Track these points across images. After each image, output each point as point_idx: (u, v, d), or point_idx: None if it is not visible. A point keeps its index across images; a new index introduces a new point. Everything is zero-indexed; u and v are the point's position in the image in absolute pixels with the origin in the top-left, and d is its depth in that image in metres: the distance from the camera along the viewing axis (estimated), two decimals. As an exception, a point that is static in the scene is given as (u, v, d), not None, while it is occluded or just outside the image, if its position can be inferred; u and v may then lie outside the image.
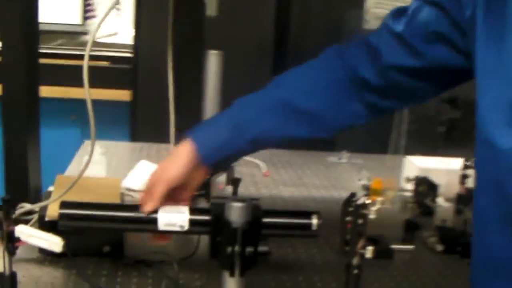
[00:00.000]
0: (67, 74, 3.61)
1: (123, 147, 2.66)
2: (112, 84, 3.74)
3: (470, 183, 2.04)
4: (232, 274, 1.23)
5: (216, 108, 1.87)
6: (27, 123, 1.81)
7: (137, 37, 3.52)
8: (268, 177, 2.33)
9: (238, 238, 1.21)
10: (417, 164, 2.25)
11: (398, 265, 1.65)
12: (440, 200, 2.10)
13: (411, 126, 2.99)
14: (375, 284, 1.51)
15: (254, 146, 1.40)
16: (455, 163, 2.20)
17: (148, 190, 1.32)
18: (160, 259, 1.51)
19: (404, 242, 1.77)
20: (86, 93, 1.38)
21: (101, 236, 1.53)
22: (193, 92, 1.97)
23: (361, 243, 1.36)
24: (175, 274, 1.47)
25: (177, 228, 1.33)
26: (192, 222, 1.32)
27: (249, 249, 1.22)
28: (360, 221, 1.32)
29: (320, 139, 1.40)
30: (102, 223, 1.33)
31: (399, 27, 1.29)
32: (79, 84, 1.35)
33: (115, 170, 2.24)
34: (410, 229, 1.78)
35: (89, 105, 1.38)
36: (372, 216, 1.33)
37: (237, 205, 1.24)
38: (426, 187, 2.00)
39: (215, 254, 1.27)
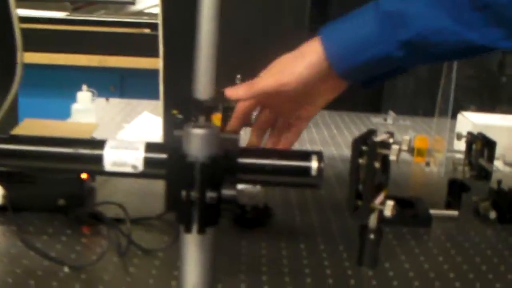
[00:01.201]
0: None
1: (133, 104, 2.44)
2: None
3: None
4: (188, 229, 0.84)
5: (211, 61, 1.45)
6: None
7: None
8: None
9: (196, 177, 0.82)
10: (472, 120, 1.84)
11: (437, 235, 1.30)
12: (498, 164, 1.68)
13: (468, 82, 2.59)
14: (401, 257, 1.12)
15: (408, 53, 1.02)
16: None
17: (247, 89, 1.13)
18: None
19: (447, 207, 1.35)
20: None
21: (53, 186, 1.29)
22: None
23: (379, 197, 0.96)
24: (128, 233, 1.16)
25: (128, 169, 1.01)
26: (148, 162, 1.00)
27: (211, 195, 0.83)
28: (377, 164, 0.92)
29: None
30: (28, 161, 1.03)
31: None
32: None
33: (112, 123, 2.05)
34: (456, 191, 1.35)
35: None
36: (393, 158, 0.91)
37: (196, 132, 0.85)
38: (481, 144, 1.58)
39: (172, 205, 0.89)
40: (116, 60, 3.55)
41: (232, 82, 2.03)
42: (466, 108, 2.25)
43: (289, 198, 1.42)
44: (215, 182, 0.88)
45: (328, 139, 1.99)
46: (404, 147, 1.03)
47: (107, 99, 2.41)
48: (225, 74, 2.01)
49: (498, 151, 1.58)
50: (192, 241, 0.93)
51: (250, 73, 2.14)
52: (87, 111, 1.80)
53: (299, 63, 1.03)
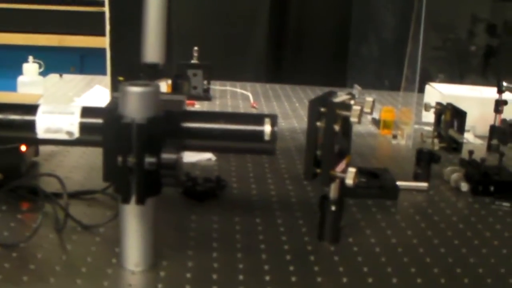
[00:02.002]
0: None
1: (87, 79, 2.31)
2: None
3: (510, 111, 1.53)
4: (125, 200, 0.74)
5: (160, 24, 1.34)
6: None
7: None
8: (256, 109, 1.95)
9: (133, 140, 0.71)
10: (440, 91, 1.75)
11: (405, 207, 1.20)
12: (468, 136, 1.59)
13: (435, 52, 2.50)
14: (366, 230, 1.01)
15: None
16: (490, 92, 1.69)
17: None
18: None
19: (416, 179, 1.24)
20: None
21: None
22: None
23: (340, 164, 0.86)
24: (65, 207, 1.04)
25: (63, 136, 0.92)
26: (85, 127, 0.88)
27: (150, 160, 0.72)
28: (337, 127, 0.81)
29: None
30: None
31: None
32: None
33: (64, 98, 1.95)
34: (425, 162, 1.26)
35: None
36: (354, 119, 0.81)
37: (133, 90, 0.75)
38: (450, 115, 1.48)
39: (108, 174, 0.79)
40: (76, 39, 3.41)
41: (189, 54, 1.93)
42: (434, 79, 2.16)
43: (246, 170, 1.32)
44: (154, 146, 0.78)
45: (290, 112, 1.90)
46: (367, 109, 0.92)
47: (60, 75, 2.28)
48: (181, 46, 1.91)
49: (468, 123, 1.50)
50: (131, 212, 0.83)
51: (208, 45, 2.04)
52: (33, 84, 1.69)
53: None
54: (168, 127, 0.84)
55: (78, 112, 0.91)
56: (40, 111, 0.91)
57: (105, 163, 0.83)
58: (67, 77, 2.30)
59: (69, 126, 0.90)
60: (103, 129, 0.84)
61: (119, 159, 0.80)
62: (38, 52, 3.13)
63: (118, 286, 0.84)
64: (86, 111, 0.91)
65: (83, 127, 0.90)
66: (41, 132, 0.91)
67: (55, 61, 2.94)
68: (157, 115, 0.82)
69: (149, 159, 0.80)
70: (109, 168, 0.83)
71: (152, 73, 1.06)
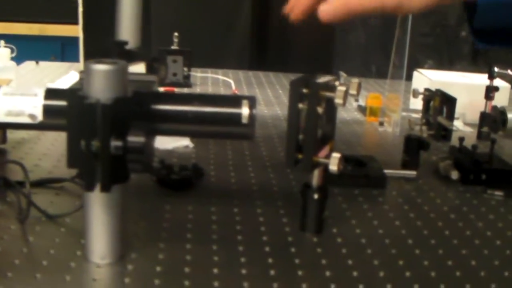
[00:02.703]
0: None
1: (64, 66, 2.27)
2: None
3: (501, 98, 1.45)
4: (89, 187, 0.66)
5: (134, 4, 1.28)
6: None
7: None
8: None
9: (98, 122, 0.64)
10: (429, 77, 1.68)
11: (393, 196, 1.15)
12: (458, 123, 1.53)
13: (423, 38, 2.44)
14: (352, 221, 0.94)
15: None
16: (479, 78, 1.63)
17: None
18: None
19: (404, 167, 1.17)
20: None
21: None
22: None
23: (323, 149, 0.79)
24: (28, 195, 0.96)
25: (26, 120, 0.86)
26: (49, 110, 0.79)
27: (116, 144, 0.65)
28: (320, 109, 0.74)
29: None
30: None
31: None
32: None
33: (39, 84, 1.88)
34: (413, 149, 1.19)
35: None
36: (339, 101, 0.74)
37: (97, 68, 0.68)
38: (439, 101, 1.42)
39: (72, 160, 0.71)
40: (57, 28, 3.34)
41: (170, 39, 1.86)
42: (422, 65, 2.10)
43: (225, 158, 1.25)
44: (120, 129, 0.71)
45: (272, 99, 1.83)
46: (353, 91, 0.86)
47: (37, 62, 2.21)
48: (162, 31, 1.83)
49: (458, 110, 1.43)
50: (97, 201, 0.76)
51: (187, 31, 1.97)
52: (5, 69, 1.61)
53: None
54: (136, 109, 0.77)
55: (41, 94, 0.83)
56: (0, 92, 0.84)
57: (69, 148, 0.77)
58: (43, 64, 2.23)
59: (32, 108, 0.84)
60: (66, 111, 0.76)
61: (82, 143, 0.72)
62: (19, 40, 3.05)
63: (81, 280, 0.77)
64: (51, 93, 0.84)
65: (47, 110, 0.83)
66: (2, 115, 0.85)
67: (36, 50, 2.87)
68: (124, 96, 0.76)
69: (114, 143, 0.73)
70: (73, 153, 0.76)
71: (121, 50, 0.99)
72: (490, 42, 0.95)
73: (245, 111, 0.82)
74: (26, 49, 2.39)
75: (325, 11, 0.82)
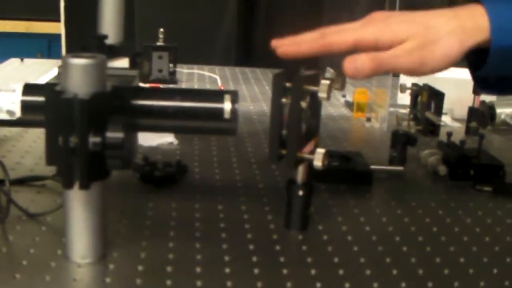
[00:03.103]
0: None
1: (49, 63, 2.23)
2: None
3: (489, 94, 1.45)
4: (68, 185, 0.64)
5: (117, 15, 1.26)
6: None
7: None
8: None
9: (76, 118, 0.62)
10: (417, 72, 1.64)
11: (380, 192, 1.13)
12: (446, 119, 1.51)
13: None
14: (338, 217, 0.93)
15: None
16: (467, 73, 1.60)
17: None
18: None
19: (391, 162, 1.16)
20: None
21: None
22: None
23: (308, 145, 0.77)
24: (8, 193, 0.92)
25: (3, 116, 0.84)
26: (27, 106, 0.82)
27: (94, 140, 0.62)
28: (304, 104, 0.73)
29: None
30: None
31: None
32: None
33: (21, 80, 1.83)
34: (400, 144, 1.17)
35: None
36: (323, 95, 0.72)
37: (75, 62, 0.65)
38: (427, 96, 1.40)
39: (51, 157, 0.69)
40: (43, 26, 3.31)
41: (155, 36, 1.84)
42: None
43: (210, 154, 1.24)
44: (99, 124, 0.69)
45: (259, 95, 1.81)
46: (337, 85, 0.84)
47: (21, 59, 2.18)
48: (148, 28, 1.81)
49: (446, 105, 1.41)
50: (76, 199, 0.74)
51: (173, 27, 1.95)
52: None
53: (453, 42, 0.79)
54: (115, 104, 0.75)
55: (19, 89, 0.81)
56: (-22, 86, 0.82)
57: (47, 145, 0.75)
58: (28, 61, 2.21)
59: (10, 104, 0.82)
60: (44, 106, 0.74)
61: (60, 139, 0.70)
62: (4, 38, 3.03)
63: (61, 280, 0.76)
64: (29, 88, 0.82)
65: (26, 106, 0.81)
66: (-21, 111, 0.82)
67: (22, 48, 2.84)
68: (102, 91, 0.73)
69: (93, 139, 0.71)
70: (52, 150, 0.74)
71: (101, 44, 0.97)
72: (498, 90, 0.92)
73: (227, 105, 0.80)
74: (12, 47, 2.37)
75: (352, 68, 0.78)
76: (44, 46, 3.43)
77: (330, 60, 2.31)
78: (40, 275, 0.76)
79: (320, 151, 0.83)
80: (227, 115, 0.79)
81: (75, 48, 1.19)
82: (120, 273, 0.77)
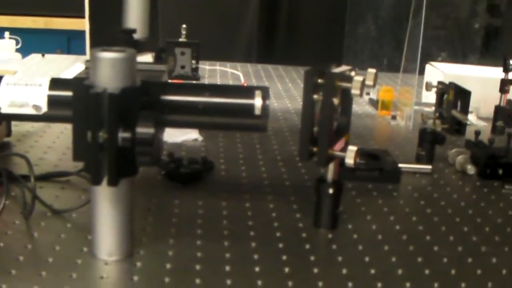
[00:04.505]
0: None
1: (70, 59, 2.22)
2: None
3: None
4: (96, 181, 0.63)
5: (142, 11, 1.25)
6: None
7: None
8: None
9: (105, 113, 0.60)
10: (443, 70, 1.64)
11: (408, 191, 1.11)
12: (471, 117, 1.49)
13: (436, 32, 2.40)
14: (367, 216, 0.91)
15: None
16: (493, 72, 1.59)
17: None
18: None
19: (418, 161, 1.14)
20: None
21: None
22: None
23: (339, 142, 0.76)
24: (33, 189, 0.92)
25: (30, 110, 0.82)
26: (54, 100, 0.81)
27: (124, 135, 0.61)
28: (336, 100, 0.71)
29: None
30: None
31: None
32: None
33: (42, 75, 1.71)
34: (428, 143, 1.15)
35: None
36: (356, 92, 0.71)
37: (104, 56, 0.64)
38: (453, 94, 1.38)
39: (79, 152, 0.68)
40: (62, 22, 3.31)
41: (178, 33, 1.83)
42: (435, 58, 2.06)
43: (235, 151, 1.22)
44: (128, 120, 0.67)
45: (282, 93, 1.80)
46: (369, 82, 0.82)
47: (43, 55, 2.18)
48: (170, 24, 1.80)
49: (471, 104, 1.41)
50: (104, 195, 0.72)
51: (196, 23, 1.94)
52: (10, 61, 1.59)
53: None
54: (145, 99, 0.73)
55: (46, 83, 0.80)
56: (3, 82, 0.81)
57: (75, 140, 0.74)
58: (49, 56, 2.20)
59: (37, 99, 0.80)
60: (72, 101, 0.73)
61: (89, 134, 0.69)
62: (24, 34, 3.02)
63: (88, 278, 0.74)
64: (56, 83, 0.81)
65: (52, 100, 0.80)
66: (5, 106, 0.82)
67: (42, 44, 2.84)
68: (132, 85, 0.72)
69: (122, 135, 0.70)
70: (79, 146, 0.72)
71: (129, 39, 0.96)
72: None
73: (258, 102, 0.78)
74: (32, 43, 2.37)
75: None
76: (63, 42, 3.42)
77: (353, 58, 2.30)
78: (66, 273, 0.75)
79: (352, 148, 0.82)
80: (257, 111, 0.78)
81: (99, 44, 1.17)
82: (148, 271, 0.76)
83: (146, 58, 1.34)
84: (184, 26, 1.83)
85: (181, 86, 0.85)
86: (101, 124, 0.70)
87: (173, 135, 1.22)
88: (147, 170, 1.00)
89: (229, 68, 2.05)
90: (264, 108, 0.78)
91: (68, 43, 3.39)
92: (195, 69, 1.81)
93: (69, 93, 0.76)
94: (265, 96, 0.78)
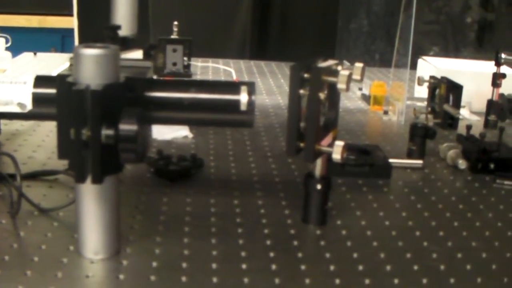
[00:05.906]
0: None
1: (62, 57, 2.21)
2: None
3: (508, 86, 1.41)
4: (80, 178, 0.62)
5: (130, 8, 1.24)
6: None
7: None
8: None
9: (88, 110, 0.60)
10: (434, 65, 1.63)
11: (399, 186, 1.10)
12: (464, 112, 1.48)
13: (429, 27, 2.40)
14: (356, 212, 0.90)
15: None
16: (487, 66, 1.59)
17: None
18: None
19: (409, 156, 1.13)
20: None
21: None
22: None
23: (326, 138, 0.75)
24: (19, 188, 0.91)
25: (14, 108, 0.84)
26: (38, 98, 0.81)
27: (107, 132, 0.60)
28: (322, 95, 0.70)
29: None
30: None
31: None
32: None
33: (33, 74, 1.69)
34: (419, 137, 1.14)
35: None
36: (342, 86, 0.70)
37: (87, 53, 0.63)
38: (445, 89, 1.38)
39: (63, 150, 0.67)
40: (56, 20, 3.30)
41: (169, 30, 1.82)
42: (427, 52, 2.06)
43: (225, 148, 1.22)
44: (112, 117, 0.67)
45: (274, 89, 1.79)
46: (356, 76, 0.81)
47: (34, 53, 2.17)
48: (162, 21, 1.79)
49: (464, 98, 1.40)
50: (89, 193, 0.72)
51: (187, 20, 1.93)
52: (3, 59, 1.57)
53: None
54: (129, 96, 0.72)
55: (31, 81, 0.79)
56: (-12, 79, 0.80)
57: (59, 138, 0.73)
58: (41, 55, 2.19)
59: (21, 97, 0.79)
60: (56, 98, 0.72)
61: (72, 131, 0.68)
62: (18, 33, 3.01)
63: (73, 277, 0.73)
64: (40, 80, 0.80)
65: (37, 98, 0.79)
66: (-10, 104, 0.80)
67: (36, 43, 2.82)
68: (115, 82, 0.71)
69: (106, 132, 0.69)
70: (64, 144, 0.72)
71: (114, 35, 0.95)
72: None
73: (243, 97, 0.78)
74: (26, 42, 2.35)
75: None
76: (57, 41, 3.41)
77: (346, 53, 2.29)
78: (52, 272, 0.74)
79: (339, 143, 0.81)
80: (243, 107, 0.77)
81: (88, 41, 1.17)
82: (134, 270, 0.75)
83: (136, 54, 1.33)
84: (175, 23, 1.82)
85: (166, 82, 0.85)
86: (84, 121, 0.69)
87: (162, 132, 1.22)
88: (136, 167, 1.00)
89: (222, 65, 2.05)
90: (250, 103, 0.77)
91: (62, 41, 3.38)
92: (187, 66, 1.81)
93: (53, 91, 0.74)
94: (251, 92, 0.77)
